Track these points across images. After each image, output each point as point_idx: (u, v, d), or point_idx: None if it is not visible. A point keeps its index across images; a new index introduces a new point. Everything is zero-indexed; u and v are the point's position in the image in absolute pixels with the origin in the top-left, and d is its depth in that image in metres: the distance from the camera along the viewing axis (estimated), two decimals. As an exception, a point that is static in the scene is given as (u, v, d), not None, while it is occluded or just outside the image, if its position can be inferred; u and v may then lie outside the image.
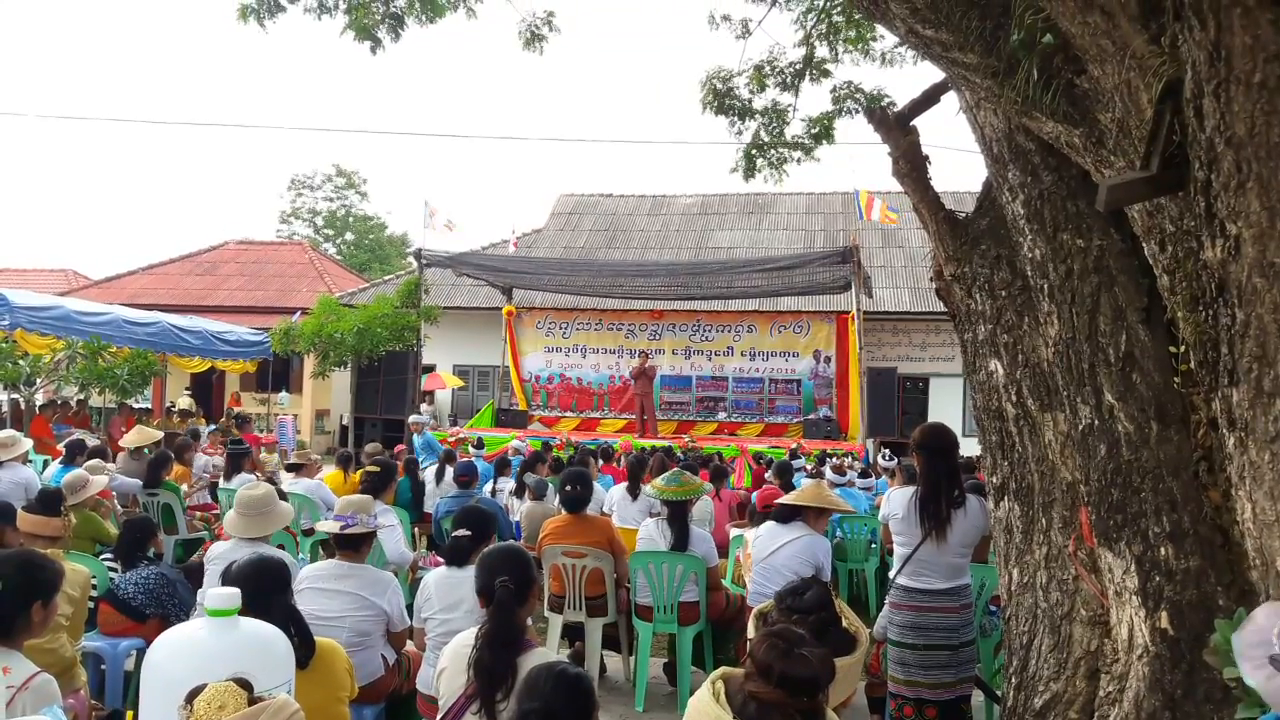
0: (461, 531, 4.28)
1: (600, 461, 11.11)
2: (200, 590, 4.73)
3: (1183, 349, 2.62)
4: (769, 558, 5.23)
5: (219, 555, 4.76)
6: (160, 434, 11.19)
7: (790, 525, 5.33)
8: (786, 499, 5.55)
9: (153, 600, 5.08)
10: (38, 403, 16.02)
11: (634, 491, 7.64)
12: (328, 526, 4.59)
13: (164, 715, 2.18)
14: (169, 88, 75.46)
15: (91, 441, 9.93)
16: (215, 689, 1.87)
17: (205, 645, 2.25)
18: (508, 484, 8.98)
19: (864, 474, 11.40)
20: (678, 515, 5.78)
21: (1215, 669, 2.13)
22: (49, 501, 4.87)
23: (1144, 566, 2.71)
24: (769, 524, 5.54)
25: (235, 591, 2.33)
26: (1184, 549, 2.62)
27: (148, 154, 75.90)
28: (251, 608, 2.84)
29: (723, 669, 2.14)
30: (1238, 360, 2.23)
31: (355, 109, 75.74)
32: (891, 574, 4.53)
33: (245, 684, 1.93)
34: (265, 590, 3.13)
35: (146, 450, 9.54)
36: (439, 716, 3.02)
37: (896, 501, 4.46)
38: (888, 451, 14.29)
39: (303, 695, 2.36)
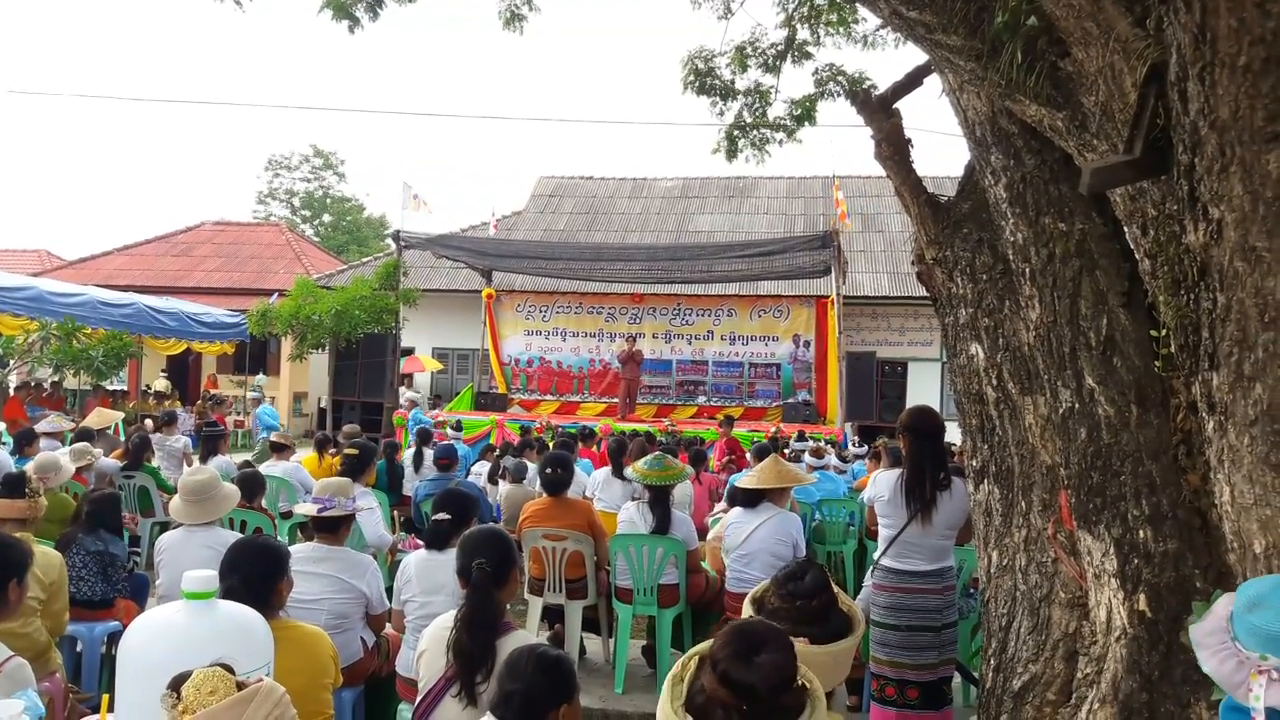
0: (441, 515, 4.27)
1: (579, 444, 11.10)
2: (156, 580, 4.68)
3: (1164, 333, 2.62)
4: (744, 543, 5.25)
5: (170, 544, 4.71)
6: (120, 415, 11.12)
7: (759, 508, 5.36)
8: (744, 483, 5.52)
9: (102, 584, 5.04)
10: (11, 384, 15.84)
11: (619, 473, 7.62)
12: (305, 509, 4.56)
13: (141, 700, 2.16)
14: (144, 66, 74.58)
15: (63, 425, 9.85)
16: (203, 674, 1.84)
17: (183, 629, 2.22)
18: (484, 468, 8.97)
19: (843, 458, 11.45)
20: (660, 499, 5.78)
21: (1192, 651, 2.14)
22: (13, 484, 4.81)
23: (1123, 549, 2.73)
24: (737, 510, 5.55)
25: (212, 574, 2.30)
26: (1163, 532, 2.64)
27: (123, 133, 75.01)
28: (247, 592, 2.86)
29: (700, 646, 2.09)
30: (1218, 344, 2.24)
31: (333, 89, 75.09)
32: (876, 555, 4.55)
33: (229, 668, 1.91)
34: (259, 576, 3.15)
35: (109, 431, 9.50)
36: (419, 699, 3.01)
37: (882, 483, 4.47)
38: (856, 439, 14.33)
39: (283, 679, 2.34)
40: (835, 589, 2.88)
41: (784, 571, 2.34)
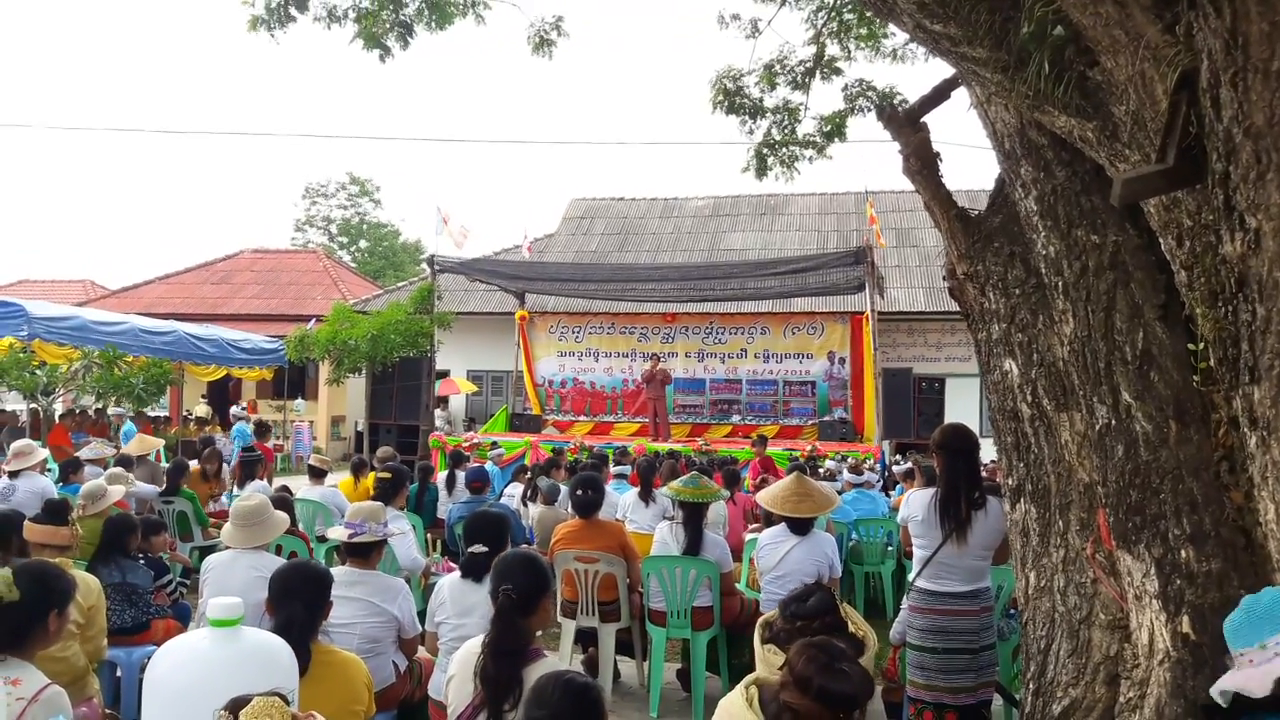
0: (477, 548, 4.23)
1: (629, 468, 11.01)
2: (201, 600, 4.70)
3: (1202, 346, 2.56)
4: (779, 564, 5.18)
5: (216, 565, 4.75)
6: (160, 442, 11.25)
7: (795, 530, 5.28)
8: (777, 509, 5.31)
9: (131, 610, 5.07)
10: (56, 412, 16.12)
11: (646, 496, 7.59)
12: (337, 534, 4.57)
13: (166, 727, 2.16)
14: (183, 98, 76.06)
15: (105, 451, 9.98)
16: (262, 702, 1.84)
17: (208, 656, 2.22)
18: (518, 489, 8.96)
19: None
20: (692, 519, 5.73)
21: (1239, 675, 2.08)
22: (56, 511, 4.87)
23: (1164, 569, 2.65)
24: (770, 531, 5.47)
25: (238, 601, 2.30)
26: (1205, 551, 2.56)
27: (164, 164, 76.52)
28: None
29: (755, 674, 2.10)
30: (1259, 357, 2.17)
31: (367, 117, 76.10)
32: (911, 576, 4.47)
33: (285, 698, 1.92)
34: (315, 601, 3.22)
35: (151, 457, 9.61)
36: (448, 725, 2.99)
37: (916, 503, 4.40)
38: (900, 457, 14.20)
39: (314, 706, 2.33)
40: (848, 613, 2.84)
41: (791, 594, 2.32)
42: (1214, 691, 2.11)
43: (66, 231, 72.93)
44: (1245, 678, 1.98)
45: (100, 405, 17.37)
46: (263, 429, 16.78)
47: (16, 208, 71.99)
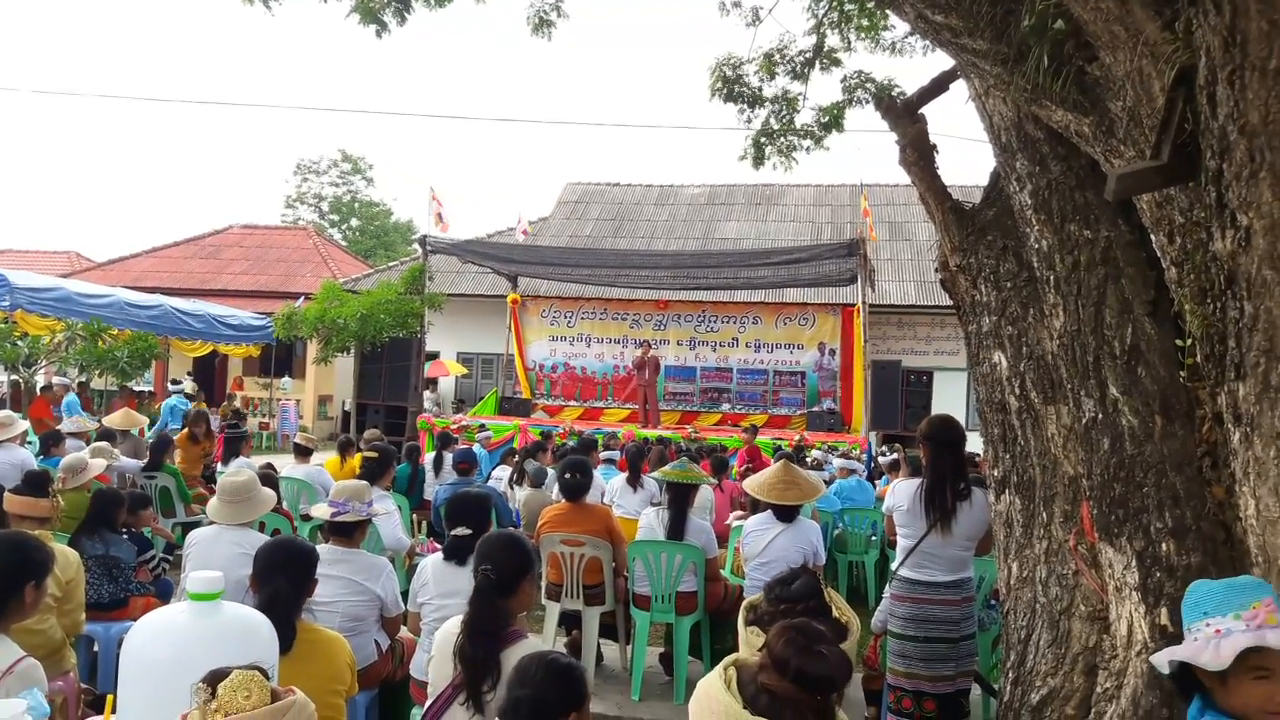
0: (460, 530, 4.21)
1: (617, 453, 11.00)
2: (183, 575, 4.68)
3: (1189, 342, 2.57)
4: (764, 550, 5.20)
5: (200, 540, 4.73)
6: (145, 420, 11.20)
7: (780, 517, 5.30)
8: (761, 496, 5.32)
9: (109, 585, 5.06)
10: (38, 384, 16.03)
11: (634, 482, 7.60)
12: (320, 512, 4.56)
13: (144, 700, 2.16)
14: (174, 68, 75.54)
15: (87, 425, 9.93)
16: (240, 676, 1.83)
17: (186, 630, 2.21)
18: (505, 472, 8.96)
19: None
20: (677, 500, 5.74)
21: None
22: (36, 483, 4.83)
23: (1145, 562, 2.67)
24: (755, 518, 5.48)
25: (218, 575, 2.28)
26: (1186, 545, 2.58)
27: (153, 136, 75.96)
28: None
29: (735, 655, 2.10)
30: (1245, 354, 2.18)
31: (362, 94, 75.77)
32: (894, 565, 4.49)
33: (265, 672, 1.90)
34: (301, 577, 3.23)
35: (134, 433, 9.57)
36: (427, 705, 2.99)
37: (901, 493, 4.41)
38: (885, 449, 14.25)
39: (297, 683, 2.32)
40: (832, 598, 2.85)
41: (775, 577, 2.33)
42: (1155, 659, 2.10)
43: (52, 202, 72.38)
44: (1187, 650, 1.99)
45: (84, 379, 17.29)
46: (238, 418, 16.70)
47: (0, 175, 71.44)
